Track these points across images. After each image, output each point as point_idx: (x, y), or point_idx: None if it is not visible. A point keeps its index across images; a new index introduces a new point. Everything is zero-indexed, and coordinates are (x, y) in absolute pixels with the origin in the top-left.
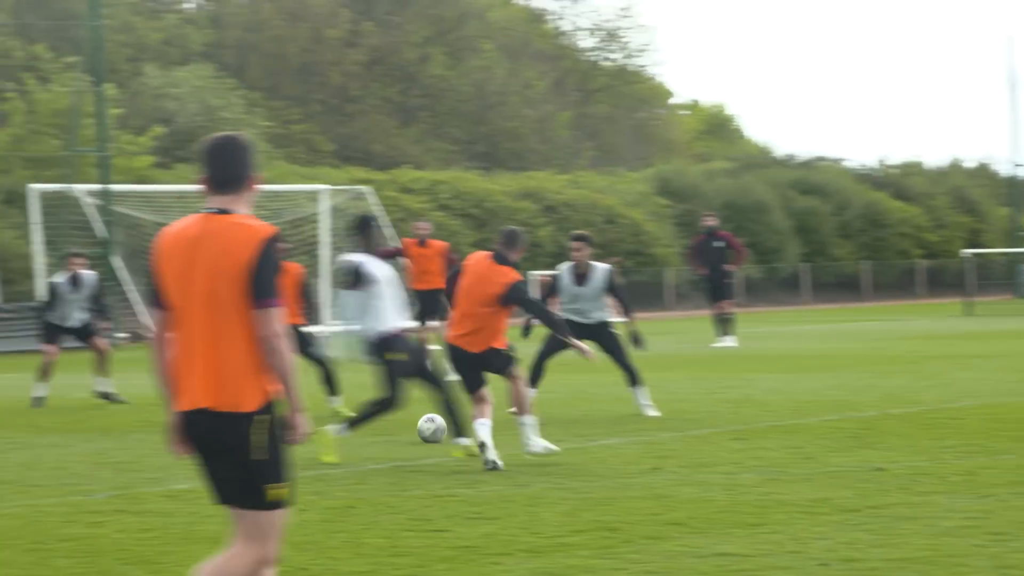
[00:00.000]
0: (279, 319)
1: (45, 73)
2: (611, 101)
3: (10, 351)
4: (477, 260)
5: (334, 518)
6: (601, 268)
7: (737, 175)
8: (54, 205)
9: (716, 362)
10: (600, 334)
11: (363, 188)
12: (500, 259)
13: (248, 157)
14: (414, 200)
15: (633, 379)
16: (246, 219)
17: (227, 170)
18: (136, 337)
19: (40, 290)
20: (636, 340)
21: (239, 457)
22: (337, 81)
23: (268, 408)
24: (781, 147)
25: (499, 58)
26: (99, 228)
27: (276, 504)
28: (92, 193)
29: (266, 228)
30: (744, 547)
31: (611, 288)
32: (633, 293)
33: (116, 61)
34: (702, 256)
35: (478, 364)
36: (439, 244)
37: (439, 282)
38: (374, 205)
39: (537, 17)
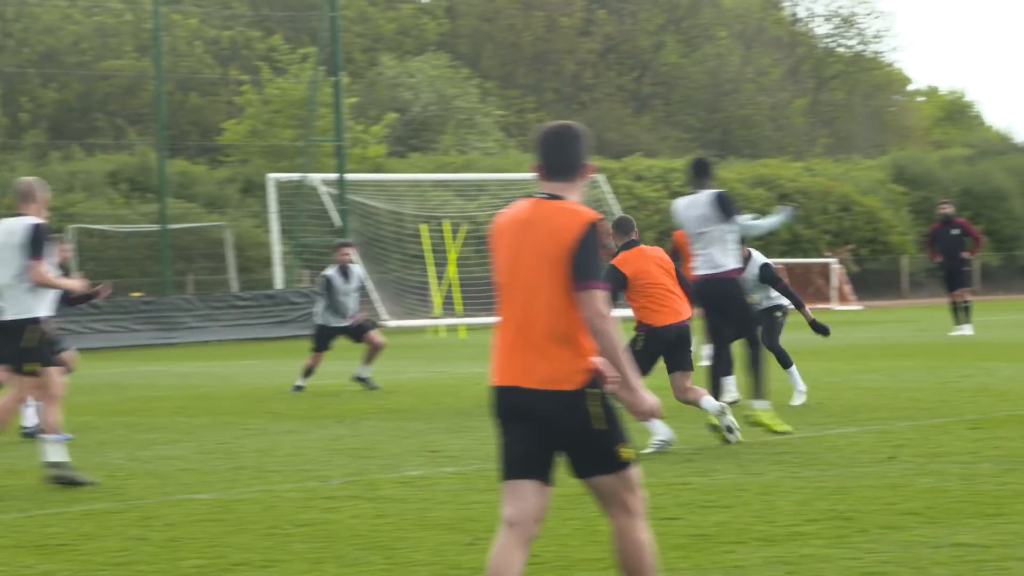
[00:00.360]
0: (602, 300)
1: (282, 64)
2: (847, 88)
3: (247, 338)
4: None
5: (567, 505)
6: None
7: (975, 162)
8: (291, 194)
9: (952, 350)
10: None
11: (596, 176)
12: None
13: (581, 146)
14: (647, 188)
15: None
16: (573, 204)
17: (560, 158)
18: (372, 325)
19: (276, 279)
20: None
21: (581, 432)
22: (571, 70)
23: (594, 382)
24: (1022, 133)
25: (733, 45)
26: (335, 217)
27: (628, 463)
28: (328, 182)
29: (589, 213)
30: (982, 537)
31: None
32: (869, 281)
33: (352, 51)
34: (938, 244)
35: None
36: None
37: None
38: (607, 193)
39: (772, 4)
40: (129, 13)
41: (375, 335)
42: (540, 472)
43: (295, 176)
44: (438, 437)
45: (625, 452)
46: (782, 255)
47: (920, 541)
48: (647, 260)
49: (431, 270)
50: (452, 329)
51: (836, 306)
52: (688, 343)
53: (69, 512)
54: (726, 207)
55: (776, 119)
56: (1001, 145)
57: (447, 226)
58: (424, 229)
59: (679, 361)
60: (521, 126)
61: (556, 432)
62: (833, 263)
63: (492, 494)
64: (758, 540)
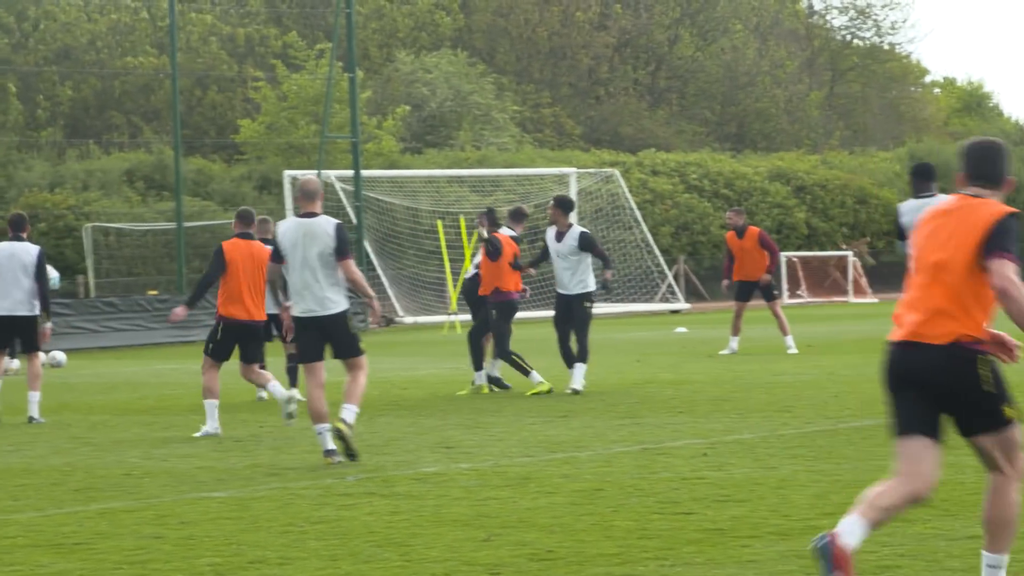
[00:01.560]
0: (1012, 270)
1: (298, 61)
2: (863, 80)
3: None
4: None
5: (582, 501)
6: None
7: None
8: None
9: None
10: None
11: (611, 171)
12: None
13: (1005, 161)
14: (662, 182)
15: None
16: (992, 201)
17: (985, 168)
18: (387, 322)
19: None
20: None
21: (970, 393)
22: (586, 64)
23: (981, 347)
24: None
25: (749, 38)
26: (350, 213)
27: (1011, 421)
28: (343, 179)
29: (1007, 207)
30: None
31: None
32: (885, 274)
33: (368, 47)
34: None
35: None
36: (754, 230)
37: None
38: (622, 187)
39: None
40: (145, 11)
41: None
42: (931, 430)
43: (311, 173)
44: (453, 433)
45: (1009, 411)
46: (798, 248)
47: (935, 534)
48: None
49: (447, 266)
50: (468, 325)
51: (852, 299)
52: None
53: (85, 511)
54: None
55: (792, 112)
56: (1019, 136)
57: (463, 222)
58: (440, 225)
59: None
60: (536, 121)
61: (947, 393)
62: (849, 256)
63: (507, 490)
64: (773, 534)
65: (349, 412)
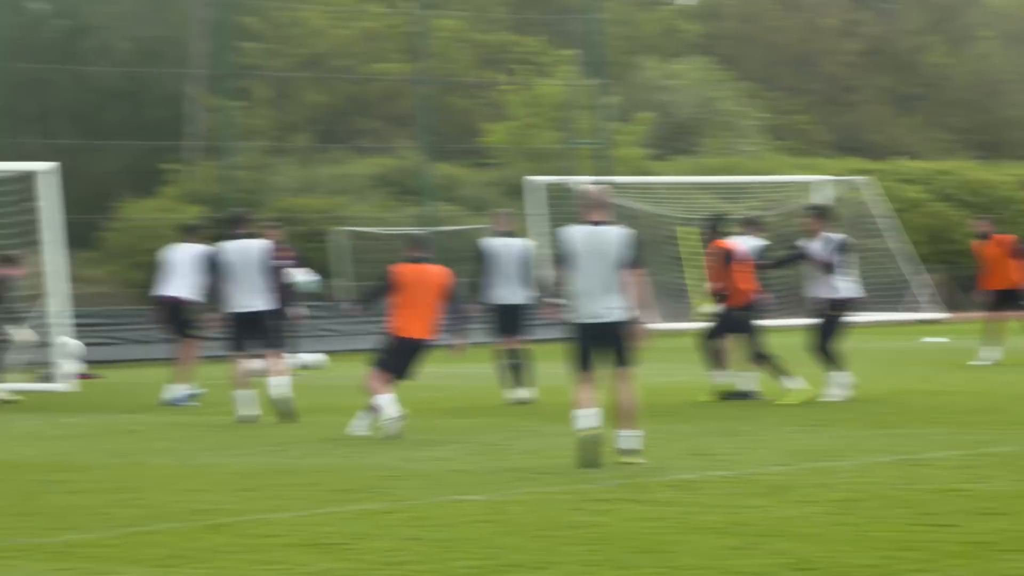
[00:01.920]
0: None
1: (543, 67)
2: None
3: None
4: None
5: (839, 511)
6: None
7: None
8: (552, 197)
9: None
10: None
11: (859, 178)
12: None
13: None
14: (913, 190)
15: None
16: None
17: None
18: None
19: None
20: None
21: None
22: (833, 71)
23: None
24: None
25: (999, 45)
26: None
27: None
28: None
29: None
30: None
31: None
32: None
33: (613, 54)
34: None
35: None
36: (1005, 238)
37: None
38: (870, 196)
39: None
40: (394, 18)
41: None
42: None
43: (556, 179)
44: (709, 440)
45: None
46: None
47: None
48: None
49: (688, 273)
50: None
51: None
52: None
53: (343, 512)
54: None
55: None
56: None
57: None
58: (682, 231)
59: None
60: (783, 128)
61: None
62: None
63: (765, 498)
64: None
65: (631, 439)
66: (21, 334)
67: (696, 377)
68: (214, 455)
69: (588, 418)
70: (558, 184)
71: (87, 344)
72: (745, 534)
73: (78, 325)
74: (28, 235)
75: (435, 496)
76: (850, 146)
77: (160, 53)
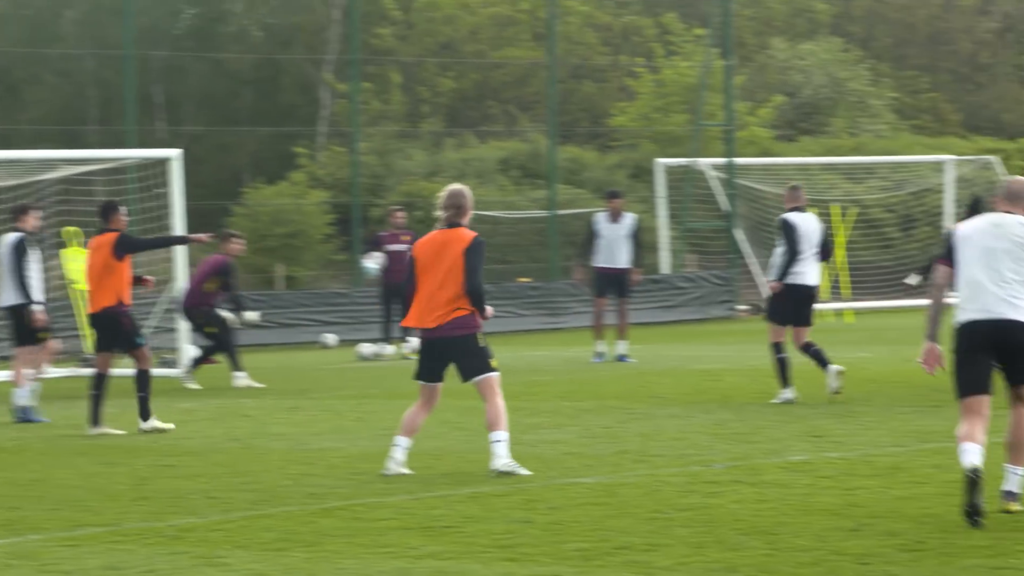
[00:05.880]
0: None
1: (675, 47)
2: None
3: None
4: None
5: (954, 492)
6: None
7: None
8: (679, 179)
9: None
10: None
11: (990, 158)
12: None
13: None
14: None
15: None
16: None
17: None
18: (756, 310)
19: (662, 264)
20: None
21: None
22: (967, 49)
23: None
24: None
25: None
26: (723, 201)
27: None
28: (716, 167)
29: None
30: None
31: None
32: None
33: (743, 34)
34: None
35: None
36: None
37: None
38: (1001, 175)
39: None
40: (525, 2)
41: None
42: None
43: (683, 161)
44: (822, 422)
45: None
46: None
47: None
48: None
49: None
50: (839, 313)
51: None
52: None
53: (455, 495)
54: None
55: None
56: None
57: (835, 209)
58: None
59: None
60: (914, 108)
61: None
62: None
63: (876, 479)
64: None
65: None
66: (247, 316)
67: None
68: (328, 440)
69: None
70: (684, 167)
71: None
72: (857, 516)
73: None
74: (159, 220)
75: (548, 479)
76: (983, 125)
77: (294, 40)
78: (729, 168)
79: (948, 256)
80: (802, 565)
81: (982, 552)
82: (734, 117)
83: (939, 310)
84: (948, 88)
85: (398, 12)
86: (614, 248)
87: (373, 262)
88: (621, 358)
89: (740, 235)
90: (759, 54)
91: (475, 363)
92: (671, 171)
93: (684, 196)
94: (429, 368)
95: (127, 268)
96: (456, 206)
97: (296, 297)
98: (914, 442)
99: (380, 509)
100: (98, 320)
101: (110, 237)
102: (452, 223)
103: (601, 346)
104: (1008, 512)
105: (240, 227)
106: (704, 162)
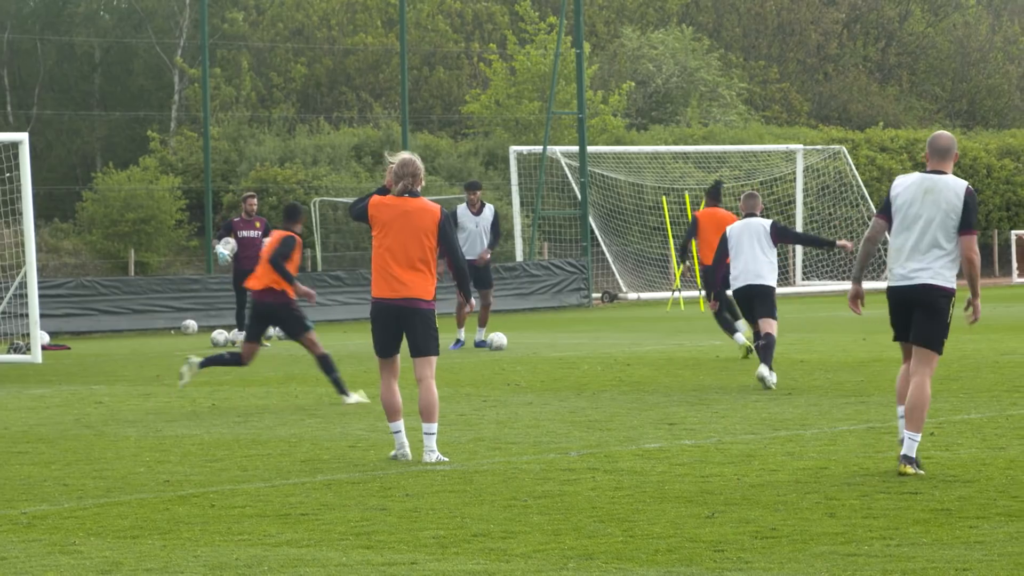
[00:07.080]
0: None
1: (528, 35)
2: None
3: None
4: None
5: (806, 479)
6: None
7: None
8: (532, 167)
9: None
10: None
11: (838, 147)
12: None
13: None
14: (890, 159)
15: None
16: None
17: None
18: (610, 297)
19: (517, 251)
20: None
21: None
22: (815, 40)
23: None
24: None
25: (982, 14)
26: (575, 189)
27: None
28: (568, 155)
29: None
30: None
31: None
32: None
33: (595, 23)
34: None
35: None
36: None
37: None
38: (848, 164)
39: None
40: None
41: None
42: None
43: (536, 149)
44: (677, 410)
45: None
46: None
47: None
48: None
49: (671, 242)
50: (692, 301)
51: None
52: None
53: (311, 482)
54: None
55: None
56: None
57: (688, 198)
58: (665, 201)
59: None
60: (764, 98)
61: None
62: None
63: (730, 467)
64: (1001, 515)
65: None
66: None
67: (669, 347)
68: (182, 427)
69: None
70: (537, 154)
71: (56, 316)
72: (712, 503)
73: (48, 296)
74: (11, 204)
75: (404, 467)
76: (831, 115)
77: (144, 24)
78: (581, 156)
79: (885, 211)
80: (658, 552)
81: (835, 539)
82: (585, 105)
83: (868, 257)
84: (797, 78)
85: None
86: (476, 240)
87: (226, 248)
88: (480, 343)
89: (592, 223)
90: (611, 43)
91: (429, 343)
92: (524, 158)
93: (537, 184)
94: (384, 342)
95: None
96: (411, 174)
97: (149, 283)
98: (767, 430)
99: (236, 496)
100: None
101: None
102: (410, 191)
103: (461, 333)
104: (903, 475)
105: (91, 212)
106: (557, 150)
